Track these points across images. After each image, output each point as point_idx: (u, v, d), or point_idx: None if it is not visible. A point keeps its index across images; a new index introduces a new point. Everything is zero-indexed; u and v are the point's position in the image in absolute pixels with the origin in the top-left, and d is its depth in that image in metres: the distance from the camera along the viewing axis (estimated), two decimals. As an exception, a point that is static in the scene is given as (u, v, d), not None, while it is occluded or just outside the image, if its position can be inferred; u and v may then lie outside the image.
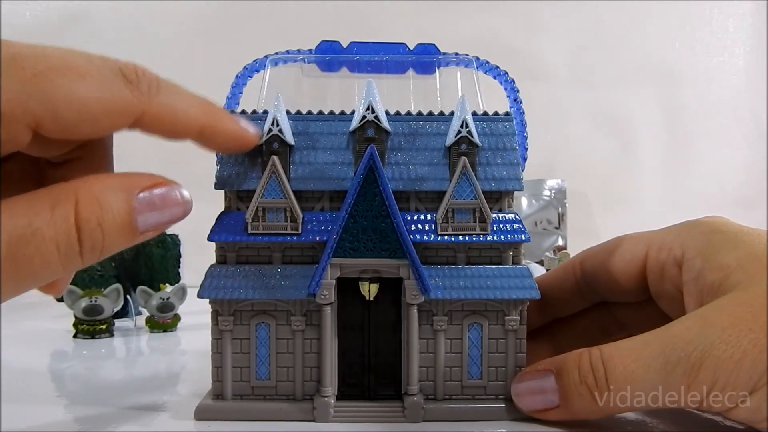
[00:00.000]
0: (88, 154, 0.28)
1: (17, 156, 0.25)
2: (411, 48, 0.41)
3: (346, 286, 0.35)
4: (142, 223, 0.25)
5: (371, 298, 0.35)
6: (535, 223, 1.09)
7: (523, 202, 1.10)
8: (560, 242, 1.08)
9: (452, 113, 0.37)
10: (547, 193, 1.11)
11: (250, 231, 0.35)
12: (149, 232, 0.26)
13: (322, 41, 0.41)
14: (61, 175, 0.28)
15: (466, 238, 0.35)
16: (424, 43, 0.41)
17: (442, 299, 0.35)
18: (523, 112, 0.39)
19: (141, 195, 0.25)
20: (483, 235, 0.35)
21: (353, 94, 0.39)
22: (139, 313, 0.66)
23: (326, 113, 0.37)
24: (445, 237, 0.35)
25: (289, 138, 0.35)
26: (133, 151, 0.39)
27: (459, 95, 0.37)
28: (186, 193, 0.27)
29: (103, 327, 0.60)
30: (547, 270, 0.77)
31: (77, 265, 0.24)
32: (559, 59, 1.20)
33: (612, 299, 0.40)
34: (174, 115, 0.27)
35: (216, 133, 0.29)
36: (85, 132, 0.24)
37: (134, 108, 0.25)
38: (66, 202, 0.23)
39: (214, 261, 0.36)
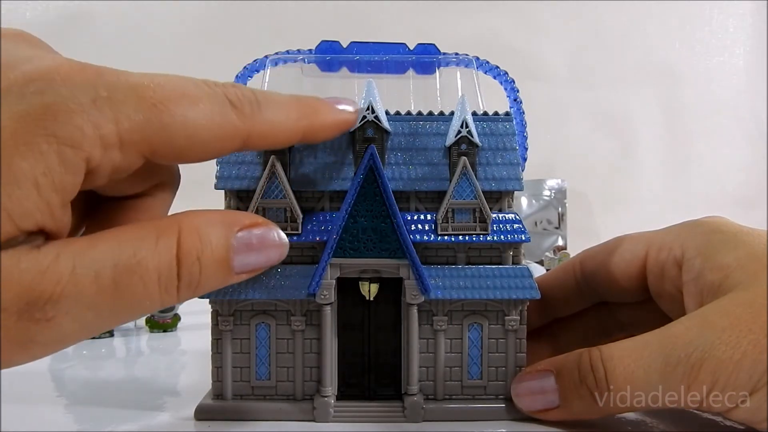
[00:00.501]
0: (156, 190, 0.29)
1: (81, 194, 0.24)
2: (411, 48, 0.41)
3: (346, 286, 0.35)
4: (238, 262, 0.25)
5: (371, 298, 0.35)
6: (535, 223, 1.09)
7: (523, 202, 1.10)
8: (560, 242, 1.08)
9: (452, 113, 0.37)
10: (547, 193, 1.11)
11: (250, 231, 0.35)
12: (244, 274, 0.26)
13: (322, 41, 0.41)
14: (125, 210, 0.28)
15: (466, 238, 0.35)
16: (424, 43, 0.41)
17: (442, 299, 0.35)
18: (523, 112, 0.39)
19: (240, 234, 0.25)
20: (483, 235, 0.35)
21: (353, 94, 0.39)
22: (139, 313, 0.66)
23: (326, 113, 0.37)
24: (445, 237, 0.35)
25: (289, 138, 0.35)
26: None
27: (459, 95, 0.37)
28: (283, 235, 0.27)
29: (103, 327, 0.60)
30: (547, 270, 0.77)
31: (172, 300, 0.24)
32: (559, 59, 1.20)
33: (612, 299, 0.40)
34: (277, 130, 0.27)
35: (317, 131, 0.29)
36: (194, 157, 0.25)
37: (241, 132, 0.25)
38: (170, 234, 0.23)
39: (214, 261, 0.36)
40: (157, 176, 0.28)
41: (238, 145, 0.26)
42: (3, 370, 0.42)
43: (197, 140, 0.24)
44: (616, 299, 0.40)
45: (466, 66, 0.40)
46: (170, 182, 0.29)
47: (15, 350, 0.21)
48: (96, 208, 0.28)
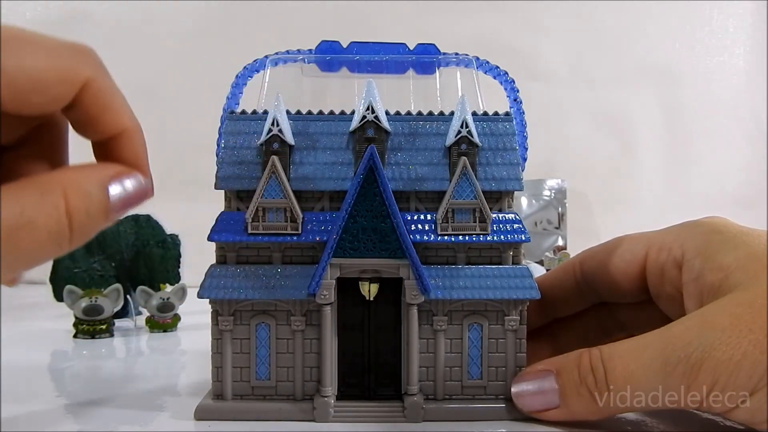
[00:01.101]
0: (41, 142, 0.29)
1: None
2: (411, 48, 0.41)
3: (346, 286, 0.35)
4: (113, 209, 0.27)
5: (371, 298, 0.35)
6: (535, 223, 1.09)
7: (523, 202, 1.10)
8: (560, 242, 1.08)
9: (452, 113, 0.37)
10: (547, 193, 1.11)
11: (250, 231, 0.35)
12: (119, 215, 0.28)
13: (322, 41, 0.41)
14: (12, 163, 0.29)
15: (466, 238, 0.35)
16: (424, 43, 0.41)
17: (442, 299, 0.35)
18: (523, 112, 0.39)
19: (111, 185, 0.27)
20: (483, 235, 0.35)
21: (353, 94, 0.39)
22: (139, 313, 0.66)
23: (326, 113, 0.37)
24: (445, 237, 0.35)
25: (289, 138, 0.36)
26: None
27: (459, 95, 0.37)
28: (143, 179, 0.29)
29: (103, 327, 0.60)
30: (548, 270, 0.77)
31: (65, 250, 0.25)
32: (559, 59, 1.20)
33: (612, 299, 0.40)
34: (113, 100, 0.27)
35: (131, 149, 0.29)
36: (36, 102, 0.25)
37: (81, 76, 0.26)
38: (54, 192, 0.25)
39: (214, 261, 0.36)
40: (31, 119, 0.28)
41: (77, 89, 0.26)
42: (3, 370, 0.42)
43: (36, 82, 0.25)
44: (615, 299, 0.40)
45: (466, 66, 0.40)
46: (53, 122, 0.30)
47: None
48: None
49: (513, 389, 0.35)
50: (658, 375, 0.29)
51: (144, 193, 0.29)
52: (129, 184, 0.28)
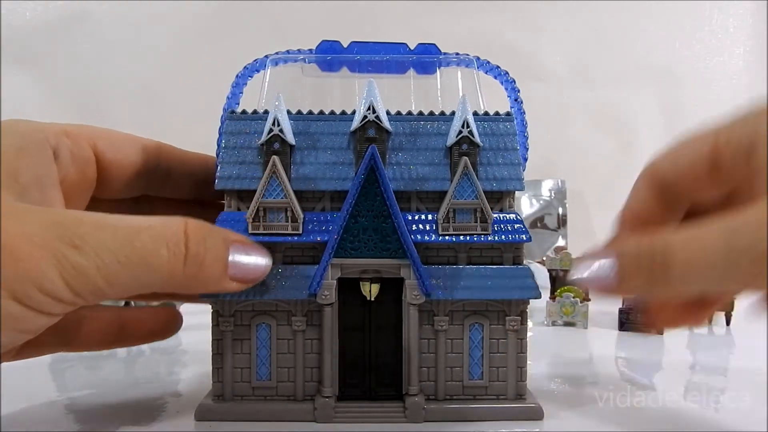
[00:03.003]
0: None
1: None
2: (412, 48, 0.41)
3: (347, 286, 0.35)
4: (232, 261, 0.30)
5: (372, 299, 0.35)
6: (536, 224, 1.09)
7: (523, 202, 1.09)
8: (561, 242, 1.08)
9: (453, 113, 0.37)
10: (547, 193, 1.11)
11: (250, 231, 0.35)
12: (234, 283, 0.30)
13: (323, 41, 0.40)
14: None
15: (467, 238, 0.35)
16: (424, 43, 0.41)
17: (443, 299, 0.35)
18: (524, 112, 0.39)
19: (234, 243, 0.30)
20: (484, 235, 0.35)
21: (354, 94, 0.39)
22: (139, 313, 0.66)
23: (327, 113, 0.37)
24: (446, 237, 0.35)
25: (290, 138, 0.35)
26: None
27: (460, 95, 0.37)
28: (267, 257, 0.32)
29: (103, 327, 0.59)
30: (548, 270, 0.77)
31: (179, 269, 0.28)
32: (559, 59, 1.20)
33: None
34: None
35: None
36: None
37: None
38: (177, 219, 0.28)
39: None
40: None
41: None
42: (3, 370, 0.42)
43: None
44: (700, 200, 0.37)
45: (467, 66, 0.40)
46: None
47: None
48: None
49: (573, 269, 0.32)
50: (719, 261, 0.27)
51: (263, 272, 0.31)
52: (252, 252, 0.31)
